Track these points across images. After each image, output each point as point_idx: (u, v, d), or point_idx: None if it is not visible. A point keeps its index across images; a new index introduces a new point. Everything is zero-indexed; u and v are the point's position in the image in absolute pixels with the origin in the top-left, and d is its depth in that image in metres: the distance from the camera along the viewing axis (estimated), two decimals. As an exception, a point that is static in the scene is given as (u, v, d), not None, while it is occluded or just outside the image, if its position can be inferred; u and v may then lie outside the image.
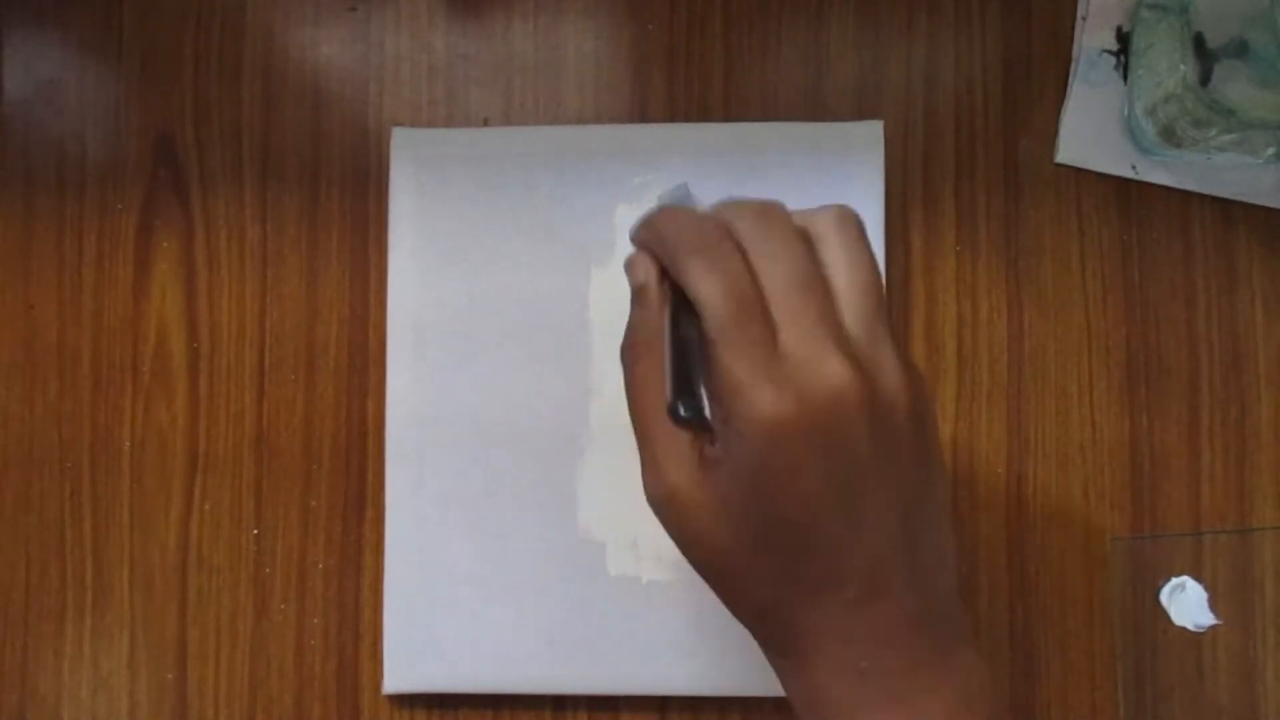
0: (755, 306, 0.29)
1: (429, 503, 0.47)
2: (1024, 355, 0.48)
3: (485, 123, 0.50)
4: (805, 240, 0.31)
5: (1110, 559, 0.47)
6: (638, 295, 0.33)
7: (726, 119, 0.49)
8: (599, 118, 0.49)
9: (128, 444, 0.49)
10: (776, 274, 0.30)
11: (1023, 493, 0.47)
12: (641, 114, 0.49)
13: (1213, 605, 0.46)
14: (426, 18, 0.50)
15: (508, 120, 0.50)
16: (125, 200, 0.50)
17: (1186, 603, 0.46)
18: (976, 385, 0.48)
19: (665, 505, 0.31)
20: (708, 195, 0.47)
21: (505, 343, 0.47)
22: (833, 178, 0.47)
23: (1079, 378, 0.48)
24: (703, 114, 0.49)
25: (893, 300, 0.48)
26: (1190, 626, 0.45)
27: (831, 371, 0.29)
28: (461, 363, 0.47)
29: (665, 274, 0.32)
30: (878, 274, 0.31)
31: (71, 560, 0.49)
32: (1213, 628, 0.46)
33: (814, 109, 0.49)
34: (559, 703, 0.48)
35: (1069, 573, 0.47)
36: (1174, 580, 0.46)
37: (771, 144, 0.48)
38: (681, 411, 0.30)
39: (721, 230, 0.30)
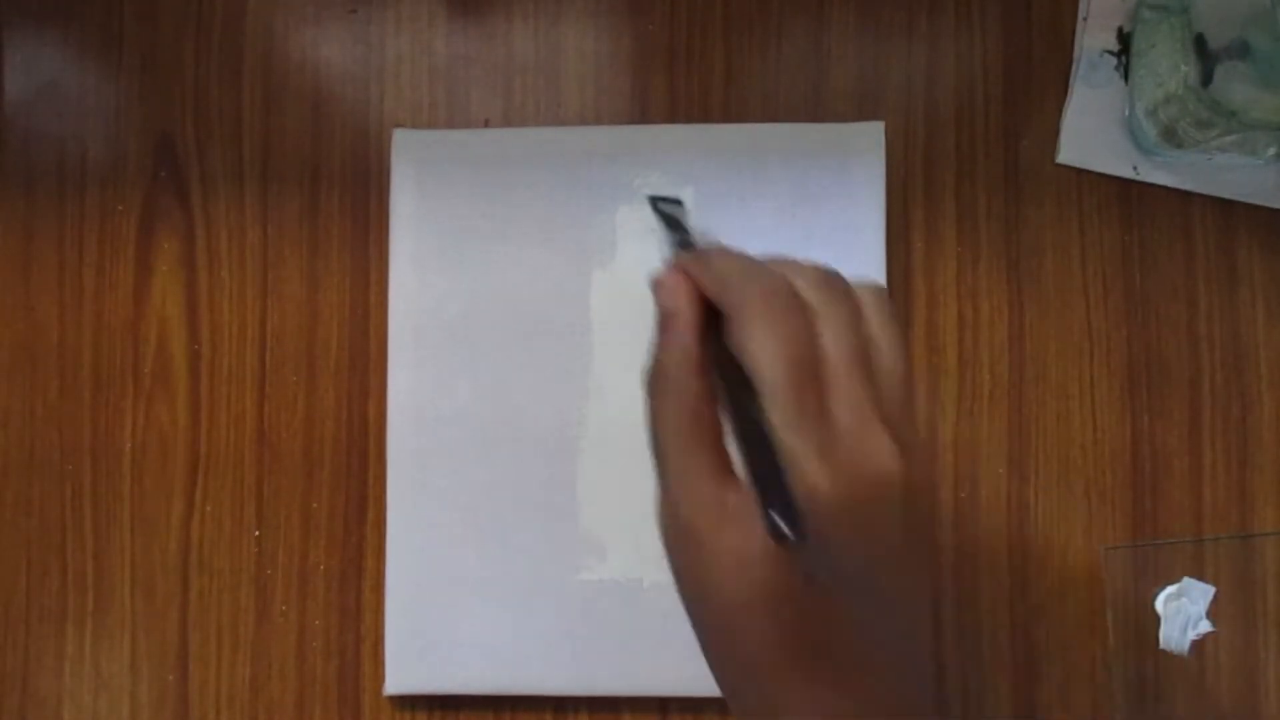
0: (812, 376, 0.28)
1: (430, 504, 0.47)
2: (1025, 356, 0.48)
3: (486, 124, 0.50)
4: (859, 314, 0.30)
5: (1104, 568, 0.47)
6: (665, 322, 0.31)
7: (727, 120, 0.49)
8: (599, 119, 0.49)
9: (128, 446, 0.49)
10: (838, 346, 0.29)
11: (1024, 493, 0.47)
12: (642, 115, 0.49)
13: (1212, 609, 0.46)
14: (427, 19, 0.50)
15: (508, 121, 0.50)
16: (126, 202, 0.50)
17: (1180, 614, 0.46)
18: (978, 386, 0.48)
19: (681, 540, 0.30)
20: (710, 197, 0.47)
21: (506, 344, 0.47)
22: (834, 179, 0.47)
23: (1080, 378, 0.48)
24: (703, 115, 0.49)
25: (893, 300, 0.48)
26: (1174, 648, 0.45)
27: (882, 452, 0.28)
28: (462, 364, 0.47)
29: (700, 307, 0.31)
30: (911, 357, 0.30)
31: (72, 562, 0.49)
32: (1210, 633, 0.46)
33: (815, 110, 0.49)
34: (560, 704, 0.48)
35: (1070, 573, 0.47)
36: (1169, 589, 0.46)
37: (772, 145, 0.48)
38: (782, 529, 0.28)
39: (789, 290, 0.29)
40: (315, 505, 0.48)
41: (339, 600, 0.48)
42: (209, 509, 0.49)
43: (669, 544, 0.31)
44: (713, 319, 0.30)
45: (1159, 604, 0.46)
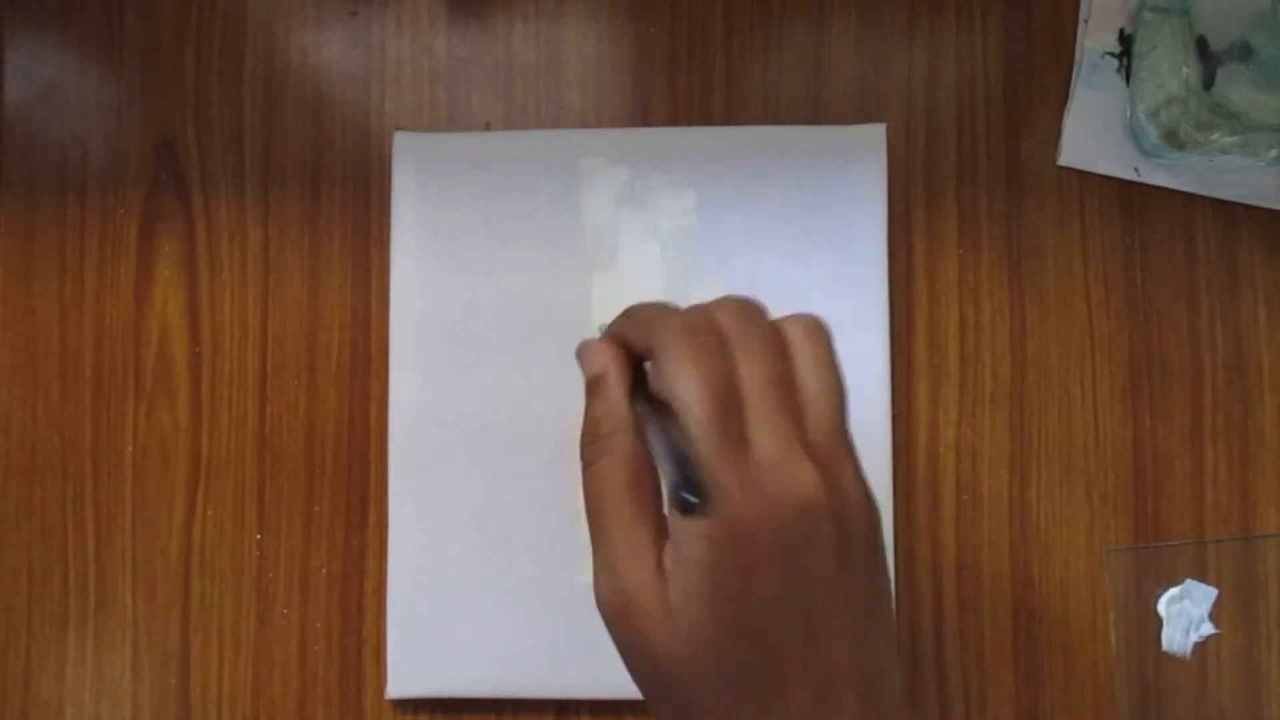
0: (734, 406, 0.29)
1: (431, 507, 0.47)
2: (1026, 358, 0.48)
3: (487, 126, 0.50)
4: (781, 343, 0.30)
5: (1106, 569, 0.47)
6: (594, 386, 0.32)
7: (728, 122, 0.49)
8: (600, 121, 0.49)
9: (130, 448, 0.49)
10: (756, 376, 0.29)
11: (1025, 495, 0.47)
12: (643, 118, 0.49)
13: (1215, 611, 0.46)
14: (428, 21, 0.50)
15: (509, 124, 0.50)
16: (127, 204, 0.50)
17: (1182, 616, 0.46)
18: (979, 388, 0.48)
19: (617, 609, 0.30)
20: (711, 199, 0.47)
21: (507, 347, 0.47)
22: (835, 181, 0.47)
23: (1082, 380, 0.48)
24: (704, 117, 0.49)
25: (895, 302, 0.48)
26: (1176, 650, 0.45)
27: (803, 480, 0.28)
28: (464, 367, 0.47)
29: (626, 366, 0.31)
30: (844, 388, 0.31)
31: (74, 565, 0.49)
32: (1213, 635, 0.46)
33: (816, 112, 0.49)
34: (561, 707, 0.47)
35: (1072, 575, 0.47)
36: (1171, 591, 0.46)
37: (774, 147, 0.48)
38: (688, 498, 0.28)
39: (707, 324, 0.30)
40: (317, 508, 0.48)
41: (340, 603, 0.48)
42: (210, 512, 0.49)
43: (609, 612, 0.30)
44: (640, 378, 0.31)
45: (1161, 606, 0.46)
